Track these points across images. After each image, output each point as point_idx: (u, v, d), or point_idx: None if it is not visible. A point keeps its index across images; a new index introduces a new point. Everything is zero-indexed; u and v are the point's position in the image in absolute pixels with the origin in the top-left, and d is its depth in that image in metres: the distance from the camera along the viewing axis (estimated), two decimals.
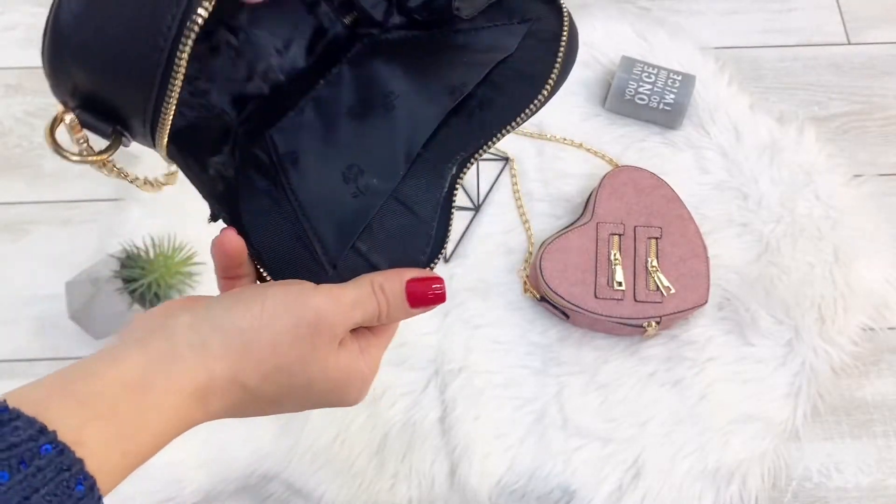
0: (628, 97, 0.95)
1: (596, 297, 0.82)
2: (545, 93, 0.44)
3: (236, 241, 0.39)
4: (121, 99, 0.34)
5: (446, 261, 0.89)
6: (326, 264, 0.41)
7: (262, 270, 0.41)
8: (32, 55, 1.03)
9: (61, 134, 0.35)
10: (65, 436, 0.28)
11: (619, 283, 0.83)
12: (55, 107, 0.35)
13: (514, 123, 0.43)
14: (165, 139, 0.36)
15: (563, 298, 0.82)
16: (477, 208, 0.93)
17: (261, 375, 0.35)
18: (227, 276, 0.41)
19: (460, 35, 0.44)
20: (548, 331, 0.86)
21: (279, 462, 0.80)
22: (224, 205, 0.41)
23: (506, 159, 0.95)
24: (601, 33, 1.03)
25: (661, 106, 0.95)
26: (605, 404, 0.83)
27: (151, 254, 0.81)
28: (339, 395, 0.39)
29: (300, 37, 0.45)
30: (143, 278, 0.79)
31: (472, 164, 0.44)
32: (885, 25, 1.07)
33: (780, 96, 1.02)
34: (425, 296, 0.40)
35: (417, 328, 0.86)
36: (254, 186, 0.42)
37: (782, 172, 0.94)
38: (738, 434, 0.81)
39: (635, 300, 0.82)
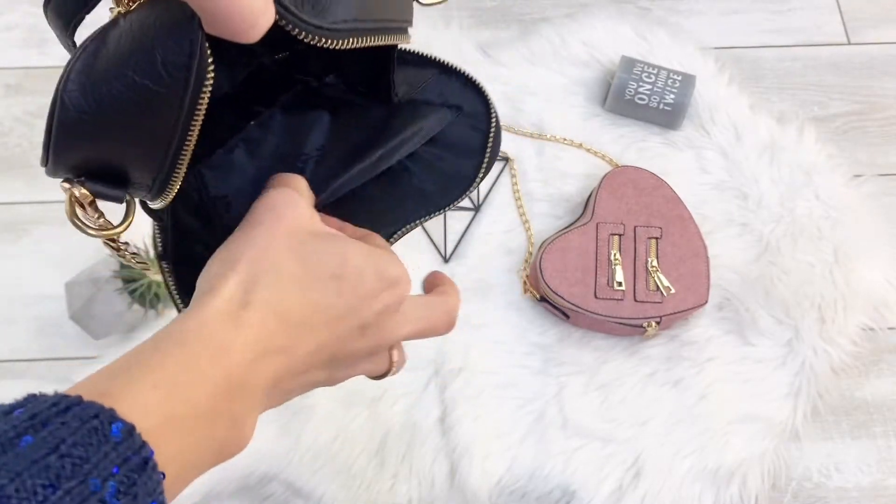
0: (628, 97, 0.95)
1: (596, 297, 0.82)
2: (476, 180, 0.46)
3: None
4: (135, 162, 0.33)
5: (446, 261, 0.89)
6: None
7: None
8: (32, 55, 1.03)
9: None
10: (90, 396, 0.27)
11: (619, 284, 0.83)
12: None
13: (446, 209, 0.45)
14: (175, 191, 0.35)
15: (563, 298, 0.82)
16: (477, 208, 0.93)
17: (270, 281, 0.34)
18: None
19: (394, 107, 0.44)
20: (548, 331, 0.86)
21: (279, 462, 0.80)
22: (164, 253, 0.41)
23: (506, 159, 0.95)
24: (601, 33, 1.03)
25: (661, 106, 0.95)
26: (605, 404, 0.83)
27: (152, 254, 0.81)
28: (365, 287, 0.36)
29: (224, 59, 0.44)
30: (143, 278, 0.79)
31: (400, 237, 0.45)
32: (885, 25, 1.07)
33: (780, 96, 1.02)
34: None
35: None
36: (186, 229, 0.42)
37: (782, 172, 0.94)
38: (738, 434, 0.81)
39: (635, 300, 0.82)
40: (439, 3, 0.41)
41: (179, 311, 0.40)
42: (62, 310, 0.83)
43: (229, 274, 0.34)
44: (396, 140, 0.42)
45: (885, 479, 0.81)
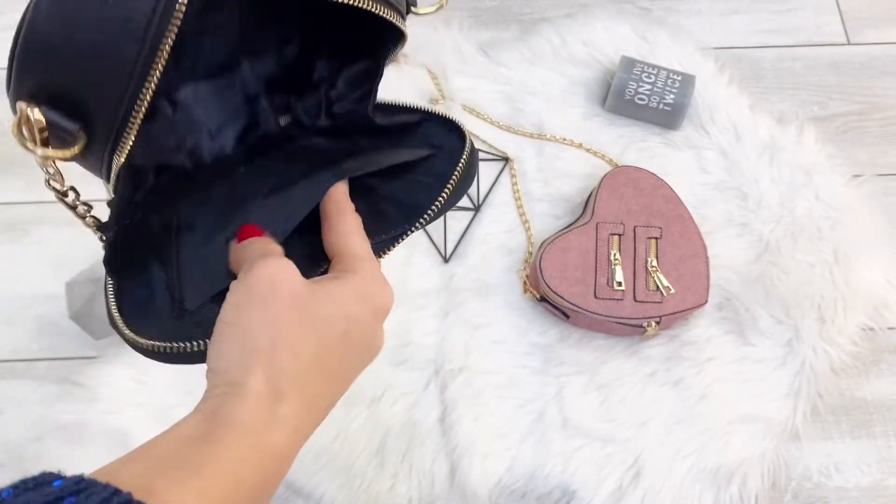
0: (628, 97, 0.95)
1: (596, 297, 0.82)
2: (434, 208, 0.48)
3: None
4: (94, 95, 0.33)
5: (446, 261, 0.90)
6: (177, 310, 0.42)
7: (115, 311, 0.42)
8: None
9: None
10: (135, 491, 0.28)
11: (619, 283, 0.83)
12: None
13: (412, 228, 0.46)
14: (130, 142, 0.35)
15: (563, 298, 0.82)
16: (477, 208, 0.93)
17: (279, 358, 0.35)
18: None
19: (371, 152, 0.48)
20: (548, 331, 0.86)
21: None
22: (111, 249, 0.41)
23: (505, 159, 0.95)
24: (601, 33, 1.03)
25: (661, 106, 0.95)
26: (605, 404, 0.83)
27: None
28: (361, 329, 0.38)
29: (233, 125, 0.46)
30: None
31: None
32: (885, 25, 1.07)
33: (780, 96, 1.02)
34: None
35: (417, 328, 0.86)
36: (138, 246, 0.43)
37: (782, 172, 0.94)
38: (738, 434, 0.81)
39: (635, 300, 0.82)
40: (433, 12, 0.43)
41: (115, 326, 0.41)
42: (62, 310, 0.83)
43: (254, 365, 0.35)
44: (357, 161, 0.45)
45: (885, 479, 0.81)
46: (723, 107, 0.98)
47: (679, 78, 0.95)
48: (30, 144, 0.33)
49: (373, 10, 0.38)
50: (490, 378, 0.84)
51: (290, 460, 0.35)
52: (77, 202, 0.39)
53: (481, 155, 0.96)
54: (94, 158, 0.36)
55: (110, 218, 0.41)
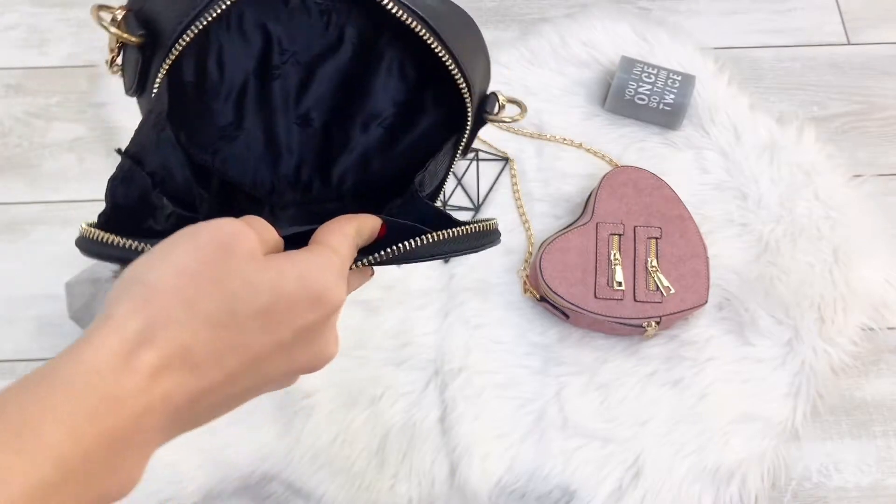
0: (628, 97, 0.95)
1: (596, 297, 0.82)
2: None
3: None
4: (165, 16, 0.40)
5: (446, 261, 0.90)
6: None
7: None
8: (32, 55, 1.03)
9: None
10: None
11: (619, 284, 0.83)
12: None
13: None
14: (168, 64, 0.40)
15: (563, 298, 0.82)
16: (477, 208, 0.93)
17: (180, 317, 0.30)
18: None
19: None
20: (548, 331, 0.86)
21: (279, 462, 0.80)
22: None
23: (505, 159, 0.95)
24: (601, 33, 1.03)
25: (661, 106, 0.95)
26: (605, 404, 0.83)
27: None
28: (292, 313, 0.33)
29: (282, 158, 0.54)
30: None
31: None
32: (885, 25, 1.07)
33: (779, 96, 1.02)
34: None
35: (417, 328, 0.86)
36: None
37: (782, 172, 0.94)
38: (738, 434, 0.81)
39: (635, 300, 0.82)
40: (510, 122, 0.45)
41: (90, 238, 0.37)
42: (62, 310, 0.83)
43: (135, 298, 0.30)
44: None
45: (885, 479, 0.81)
46: (723, 107, 0.98)
47: (679, 78, 0.95)
48: (111, 28, 0.40)
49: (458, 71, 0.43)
50: (490, 378, 0.84)
51: (145, 424, 0.29)
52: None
53: (481, 155, 0.96)
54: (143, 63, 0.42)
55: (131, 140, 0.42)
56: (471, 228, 0.43)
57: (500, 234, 0.46)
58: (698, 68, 1.00)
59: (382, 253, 0.40)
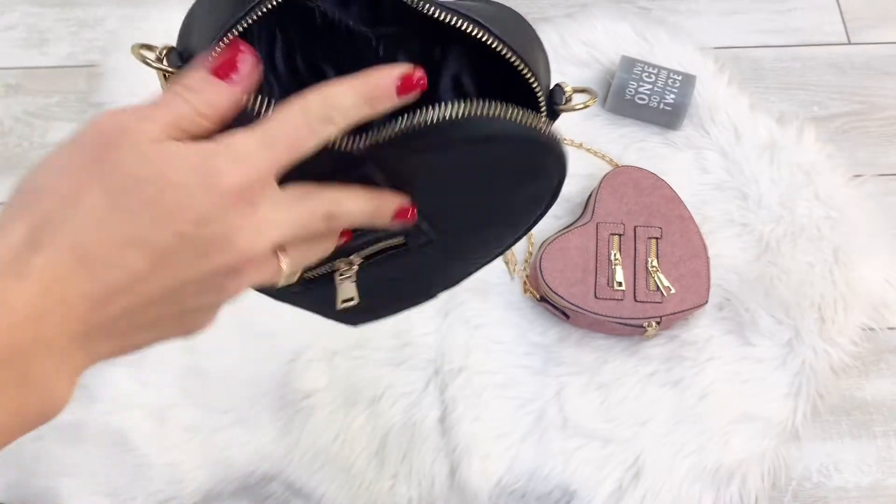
0: (628, 97, 0.95)
1: (596, 297, 0.82)
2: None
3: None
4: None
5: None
6: None
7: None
8: (32, 55, 1.03)
9: None
10: None
11: (620, 284, 0.83)
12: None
13: None
14: None
15: (563, 298, 0.82)
16: None
17: (63, 217, 0.29)
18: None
19: None
20: (548, 331, 0.86)
21: (279, 462, 0.80)
22: None
23: None
24: (601, 33, 1.03)
25: (661, 106, 0.95)
26: (605, 404, 0.83)
27: None
28: (187, 202, 0.30)
29: None
30: None
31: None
32: (885, 25, 1.07)
33: (779, 96, 1.02)
34: (227, 61, 0.33)
35: (417, 328, 0.85)
36: None
37: (782, 172, 0.94)
38: (738, 434, 0.81)
39: (635, 300, 0.82)
40: (580, 109, 0.43)
41: None
42: None
43: (20, 211, 0.29)
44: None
45: (885, 479, 0.81)
46: (723, 107, 0.98)
47: (679, 78, 0.95)
48: (154, 64, 0.36)
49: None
50: (490, 378, 0.84)
51: (45, 331, 0.28)
52: None
53: None
54: None
55: None
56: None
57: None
58: (698, 68, 1.00)
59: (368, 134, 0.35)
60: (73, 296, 0.28)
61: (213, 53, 0.34)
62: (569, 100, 0.42)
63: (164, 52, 0.37)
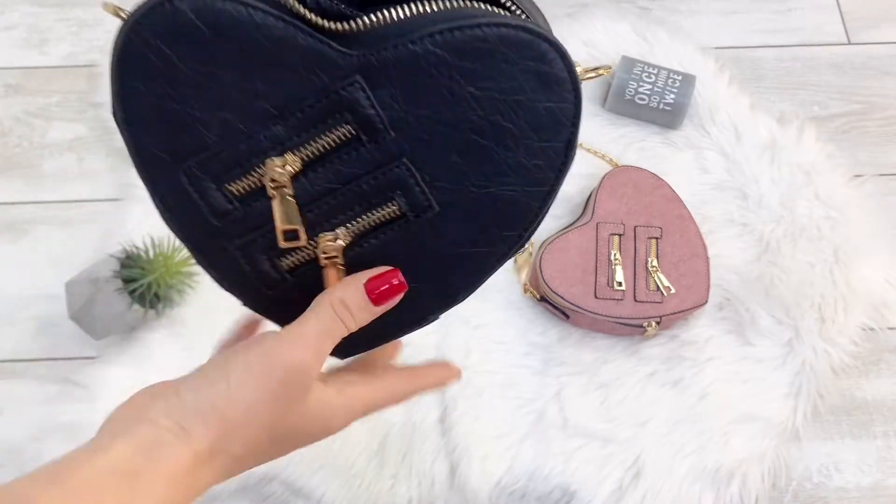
0: (628, 97, 0.95)
1: (596, 297, 0.82)
2: None
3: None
4: None
5: None
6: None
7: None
8: (32, 55, 1.03)
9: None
10: None
11: (619, 284, 0.83)
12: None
13: None
14: None
15: (563, 298, 0.82)
16: None
17: (243, 441, 0.37)
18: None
19: None
20: (548, 331, 0.86)
21: (279, 462, 0.79)
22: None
23: None
24: (601, 33, 1.03)
25: (661, 106, 0.95)
26: (605, 404, 0.83)
27: (151, 254, 0.81)
28: (322, 429, 0.40)
29: None
30: (143, 278, 0.79)
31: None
32: (885, 25, 1.07)
33: (780, 96, 1.02)
34: (387, 290, 0.40)
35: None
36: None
37: (782, 172, 0.94)
38: (738, 434, 0.81)
39: (635, 300, 0.82)
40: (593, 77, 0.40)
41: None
42: (62, 310, 0.83)
43: (213, 429, 0.36)
44: None
45: (885, 479, 0.81)
46: (723, 107, 0.98)
47: (679, 78, 0.95)
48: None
49: None
50: (490, 378, 0.84)
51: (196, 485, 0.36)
52: None
53: None
54: None
55: None
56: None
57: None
58: (699, 68, 1.00)
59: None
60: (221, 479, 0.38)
61: (372, 274, 0.40)
62: (580, 75, 0.38)
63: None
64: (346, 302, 0.39)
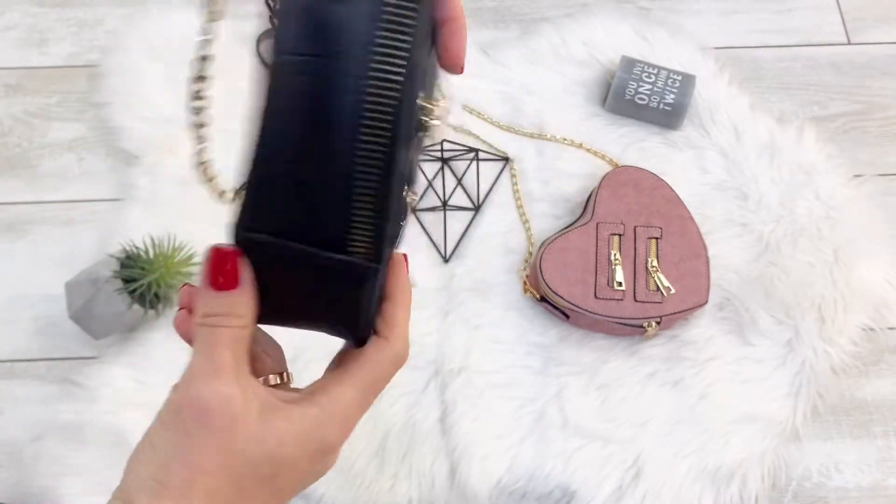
0: (628, 97, 0.95)
1: (596, 297, 0.82)
2: None
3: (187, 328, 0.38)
4: None
5: (446, 261, 0.89)
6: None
7: None
8: (32, 55, 1.03)
9: None
10: None
11: (620, 284, 0.83)
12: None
13: None
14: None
15: (563, 298, 0.82)
16: (477, 208, 0.93)
17: (202, 496, 0.34)
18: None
19: None
20: (548, 331, 0.86)
21: None
22: None
23: (506, 159, 0.95)
24: (601, 33, 1.03)
25: (661, 106, 0.95)
26: (605, 404, 0.83)
27: (151, 254, 0.81)
28: (313, 452, 0.36)
29: None
30: (143, 278, 0.79)
31: None
32: (885, 25, 1.07)
33: (780, 96, 1.02)
34: (217, 268, 0.35)
35: (418, 328, 0.85)
36: None
37: (782, 172, 0.94)
38: (738, 434, 0.81)
39: (635, 300, 0.82)
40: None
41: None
42: (62, 310, 0.83)
43: (151, 497, 0.33)
44: None
45: (885, 479, 0.81)
46: (723, 107, 0.98)
47: (679, 78, 0.95)
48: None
49: None
50: (490, 378, 0.84)
51: None
52: None
53: (481, 155, 0.96)
54: None
55: None
56: None
57: None
58: (699, 68, 1.00)
59: None
60: None
61: (208, 272, 0.35)
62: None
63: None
64: (201, 310, 0.35)
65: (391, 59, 0.32)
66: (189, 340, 0.37)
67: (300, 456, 0.35)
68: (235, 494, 0.34)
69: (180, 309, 0.39)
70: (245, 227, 0.35)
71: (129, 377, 0.83)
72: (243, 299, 0.35)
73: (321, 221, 0.34)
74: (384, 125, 0.33)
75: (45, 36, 1.04)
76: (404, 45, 0.32)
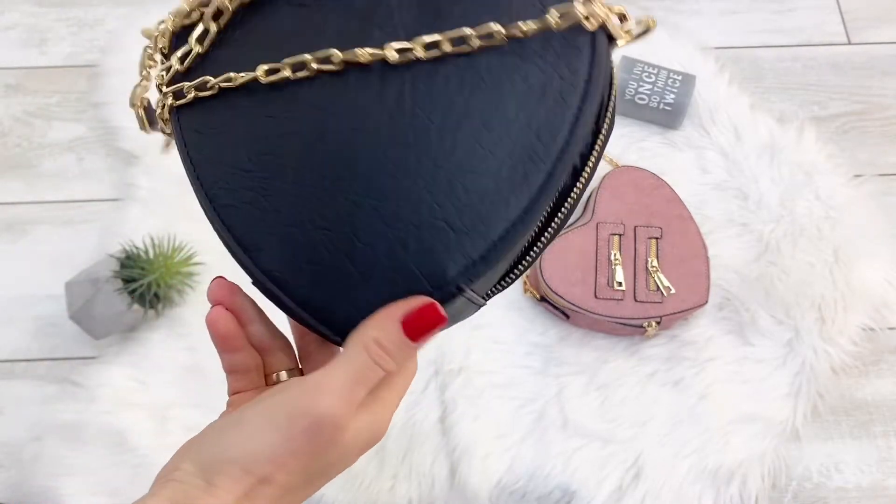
0: (628, 97, 0.95)
1: (596, 297, 0.82)
2: None
3: (224, 324, 0.39)
4: None
5: None
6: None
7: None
8: (32, 55, 1.03)
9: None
10: None
11: (620, 284, 0.83)
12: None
13: None
14: None
15: (563, 298, 0.82)
16: None
17: (272, 490, 0.36)
18: (226, 350, 0.40)
19: None
20: (548, 331, 0.86)
21: None
22: None
23: None
24: None
25: (662, 106, 0.95)
26: (605, 404, 0.83)
27: (151, 254, 0.81)
28: (363, 445, 0.38)
29: None
30: (142, 278, 0.79)
31: None
32: (885, 25, 1.07)
33: (780, 96, 1.02)
34: (426, 327, 0.35)
35: None
36: None
37: (782, 172, 0.94)
38: (738, 434, 0.81)
39: (635, 300, 0.82)
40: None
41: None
42: (62, 310, 0.83)
43: (237, 483, 0.35)
44: None
45: (885, 479, 0.81)
46: (723, 107, 0.98)
47: (679, 78, 0.95)
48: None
49: None
50: (490, 378, 0.84)
51: None
52: None
53: None
54: None
55: None
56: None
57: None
58: (699, 68, 1.00)
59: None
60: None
61: (408, 308, 0.34)
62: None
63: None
64: (381, 342, 0.34)
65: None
66: (225, 341, 0.39)
67: (358, 455, 0.38)
68: (302, 485, 0.37)
69: (215, 305, 0.40)
70: (481, 296, 0.37)
71: (128, 377, 0.83)
72: (415, 357, 0.37)
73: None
74: None
75: (45, 36, 1.04)
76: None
